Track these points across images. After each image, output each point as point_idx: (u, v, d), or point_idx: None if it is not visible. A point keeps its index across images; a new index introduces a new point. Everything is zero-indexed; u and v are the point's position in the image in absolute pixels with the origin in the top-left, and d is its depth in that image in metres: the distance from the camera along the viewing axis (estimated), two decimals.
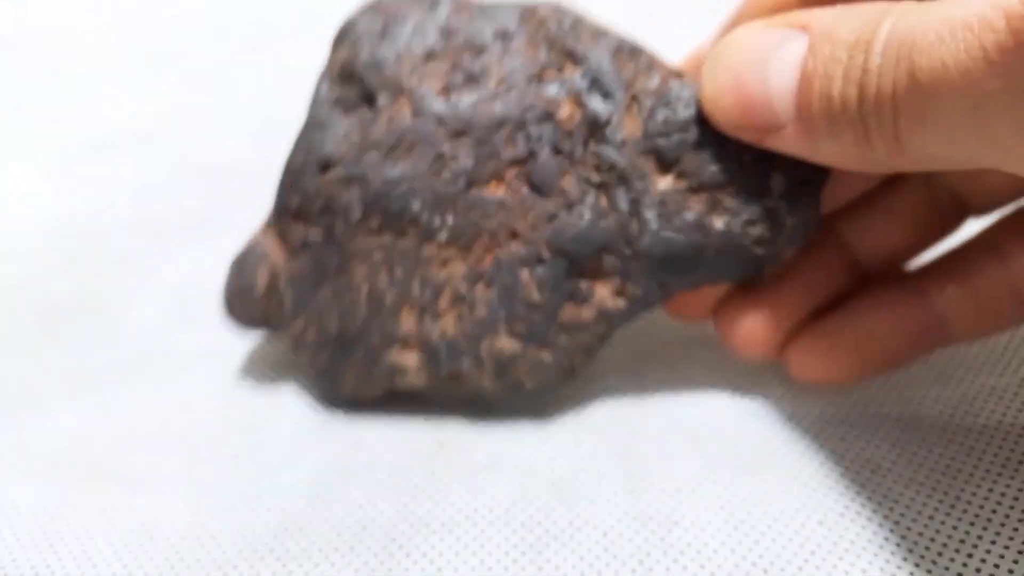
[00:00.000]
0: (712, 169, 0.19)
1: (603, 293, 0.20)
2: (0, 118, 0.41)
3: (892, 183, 0.22)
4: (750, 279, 0.21)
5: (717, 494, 0.20)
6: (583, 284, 0.20)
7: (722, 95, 0.18)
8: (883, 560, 0.18)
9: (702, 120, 0.19)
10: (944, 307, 0.20)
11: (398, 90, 0.21)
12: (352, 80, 0.21)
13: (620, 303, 0.20)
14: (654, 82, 0.20)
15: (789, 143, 0.18)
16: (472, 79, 0.21)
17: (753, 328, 0.21)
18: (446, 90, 0.21)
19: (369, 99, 0.21)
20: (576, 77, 0.20)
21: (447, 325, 0.20)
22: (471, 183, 0.20)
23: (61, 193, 0.34)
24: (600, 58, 0.20)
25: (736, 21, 0.21)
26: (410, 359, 0.21)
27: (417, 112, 0.20)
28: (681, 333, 0.24)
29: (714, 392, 0.23)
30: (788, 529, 0.19)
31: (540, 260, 0.20)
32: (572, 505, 0.20)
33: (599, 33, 0.21)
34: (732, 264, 0.20)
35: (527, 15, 0.21)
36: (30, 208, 0.33)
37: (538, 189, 0.20)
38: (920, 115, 0.15)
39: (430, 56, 0.21)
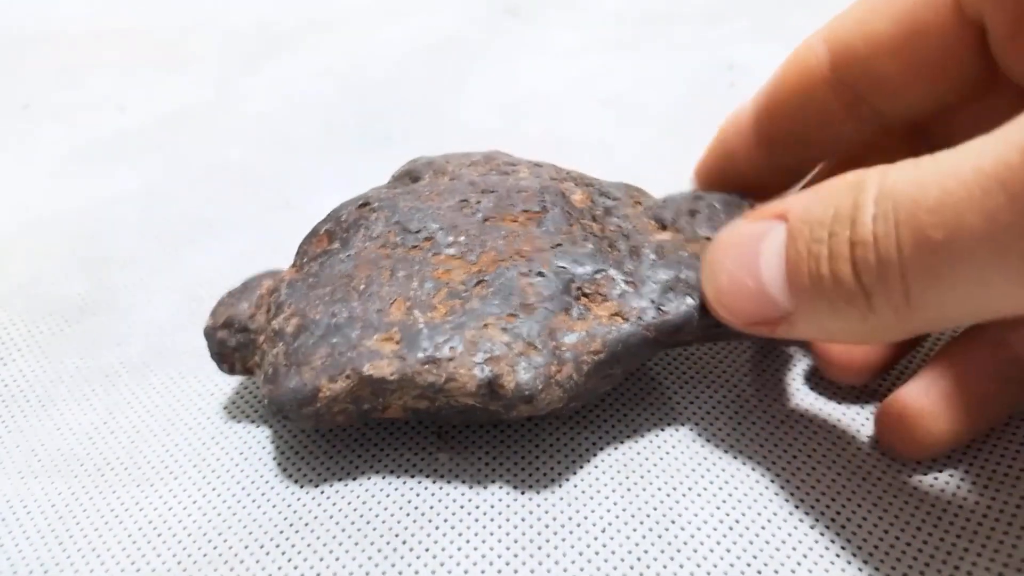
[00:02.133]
0: (706, 225, 0.22)
1: (600, 313, 0.20)
2: (9, 118, 0.41)
3: None
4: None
5: (713, 493, 0.20)
6: (581, 302, 0.20)
7: (723, 296, 0.19)
8: (872, 568, 0.18)
9: (697, 198, 0.23)
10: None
11: (441, 171, 0.25)
12: (406, 177, 0.26)
13: (616, 324, 0.20)
14: (654, 199, 0.24)
15: (800, 330, 0.18)
16: (504, 173, 0.24)
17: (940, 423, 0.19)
18: (481, 175, 0.24)
19: (415, 180, 0.25)
20: (590, 189, 0.24)
21: (435, 316, 0.20)
22: (487, 219, 0.22)
23: (69, 193, 0.35)
24: (608, 185, 0.24)
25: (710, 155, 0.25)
26: (387, 347, 0.20)
27: (453, 178, 0.24)
28: None
29: (711, 392, 0.23)
30: (781, 531, 0.19)
31: (540, 273, 0.21)
32: (571, 502, 0.20)
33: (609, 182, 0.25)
34: None
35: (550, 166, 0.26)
36: (38, 208, 0.34)
37: (546, 231, 0.22)
38: (935, 272, 0.14)
39: (473, 163, 0.25)
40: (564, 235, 0.22)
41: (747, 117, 0.24)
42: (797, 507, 0.20)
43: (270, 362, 0.21)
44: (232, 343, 0.22)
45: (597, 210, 0.23)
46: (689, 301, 0.20)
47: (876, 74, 0.19)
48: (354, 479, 0.21)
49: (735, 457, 0.21)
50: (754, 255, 0.18)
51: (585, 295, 0.21)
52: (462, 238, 0.22)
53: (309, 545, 0.19)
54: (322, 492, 0.21)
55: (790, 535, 0.19)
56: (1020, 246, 0.13)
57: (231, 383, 0.24)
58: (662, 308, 0.20)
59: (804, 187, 0.24)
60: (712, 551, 0.19)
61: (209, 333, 0.22)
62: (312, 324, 0.20)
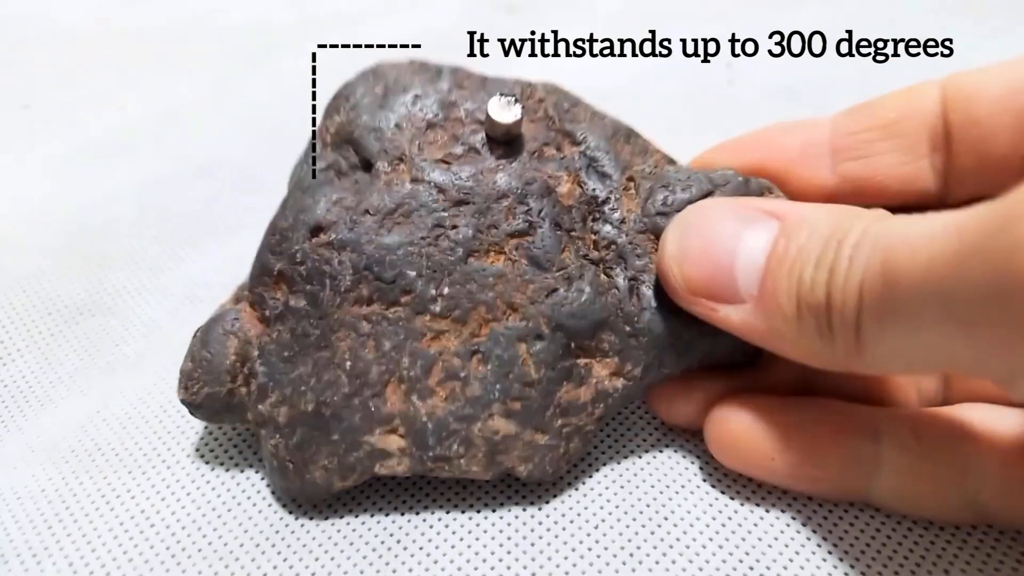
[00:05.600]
0: None
1: (601, 373, 0.20)
2: (8, 118, 0.41)
3: None
4: (747, 360, 0.21)
5: (707, 490, 0.20)
6: (581, 362, 0.20)
7: (688, 259, 0.19)
8: (864, 565, 0.18)
9: (707, 195, 0.20)
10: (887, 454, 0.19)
11: (397, 157, 0.21)
12: (348, 145, 0.21)
13: (618, 384, 0.20)
14: (649, 165, 0.21)
15: (744, 320, 0.18)
16: (473, 151, 0.21)
17: (746, 443, 0.19)
18: (446, 160, 0.20)
19: (366, 165, 0.21)
20: (575, 156, 0.21)
21: (436, 404, 0.19)
22: (470, 253, 0.20)
23: (69, 192, 0.35)
24: (597, 140, 0.21)
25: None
26: (393, 442, 0.19)
27: (416, 179, 0.20)
28: None
29: None
30: (774, 529, 0.19)
31: (539, 336, 0.19)
32: (565, 499, 0.20)
33: (595, 115, 0.22)
34: (730, 340, 0.19)
35: (526, 93, 0.22)
36: (38, 207, 0.34)
37: (537, 263, 0.20)
38: (887, 310, 0.15)
39: (431, 126, 0.21)
40: (558, 271, 0.20)
41: (824, 128, 0.22)
42: (789, 506, 0.20)
43: (271, 453, 0.20)
44: (217, 417, 0.20)
45: (587, 205, 0.21)
46: (690, 354, 0.20)
47: (978, 119, 0.19)
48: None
49: None
50: (736, 236, 0.18)
51: (585, 351, 0.20)
52: (446, 289, 0.19)
53: (304, 545, 0.19)
54: None
55: (782, 532, 0.19)
56: (960, 309, 0.14)
57: None
58: (663, 367, 0.20)
59: None
60: (704, 547, 0.19)
61: (189, 408, 0.20)
62: (305, 416, 0.19)
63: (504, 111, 0.20)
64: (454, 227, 0.20)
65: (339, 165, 0.21)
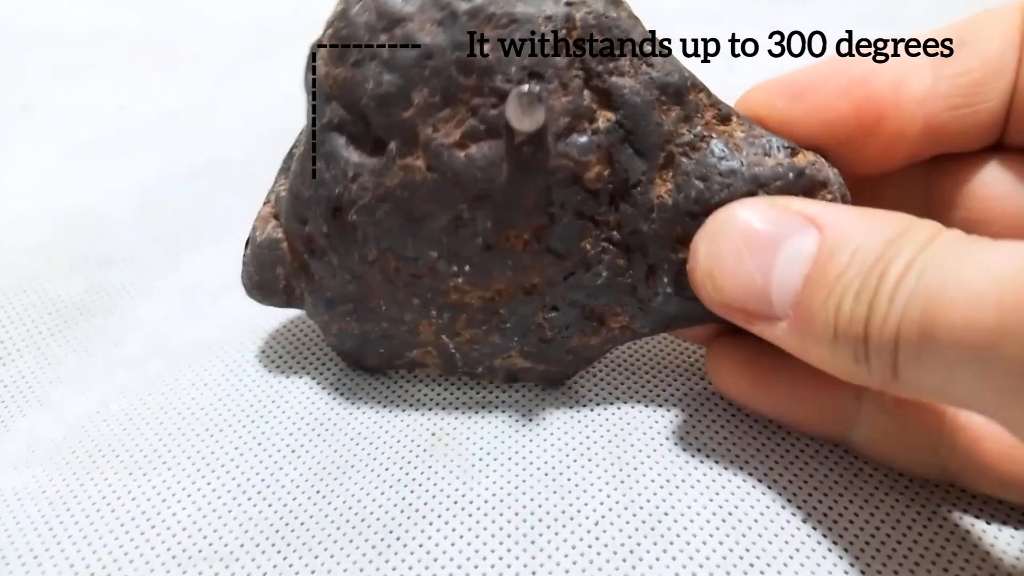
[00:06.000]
0: None
1: (612, 326, 0.21)
2: (9, 118, 0.41)
3: None
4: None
5: (706, 487, 0.20)
6: (594, 321, 0.21)
7: (720, 273, 0.18)
8: (863, 564, 0.18)
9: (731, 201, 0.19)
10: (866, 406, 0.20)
11: (411, 138, 0.19)
12: (355, 110, 0.19)
13: (627, 334, 0.21)
14: (696, 132, 0.19)
15: (778, 336, 0.17)
16: (492, 131, 0.18)
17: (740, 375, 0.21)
18: (463, 142, 0.18)
19: (377, 142, 0.19)
20: (609, 126, 0.19)
21: (462, 342, 0.22)
22: (488, 243, 0.19)
23: (69, 192, 0.35)
24: (638, 104, 0.19)
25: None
26: (429, 359, 0.23)
27: (432, 167, 0.19)
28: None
29: (705, 385, 0.23)
30: (774, 525, 0.19)
31: (555, 308, 0.21)
32: (564, 495, 0.20)
33: (644, 65, 0.19)
34: None
35: (565, 31, 0.18)
36: (38, 207, 0.34)
37: (556, 252, 0.20)
38: (923, 357, 0.15)
39: (446, 99, 0.18)
40: (576, 256, 0.20)
41: (922, 70, 0.19)
42: (789, 501, 0.20)
43: (332, 346, 0.24)
44: (282, 306, 0.24)
45: (615, 187, 0.19)
46: (695, 323, 0.21)
47: None
48: (348, 475, 0.21)
49: (728, 451, 0.21)
50: (772, 252, 0.17)
51: (597, 313, 0.21)
52: (467, 267, 0.20)
53: (305, 543, 0.19)
54: (318, 491, 0.21)
55: (782, 528, 0.19)
56: (991, 376, 0.14)
57: (228, 380, 0.24)
58: (669, 327, 0.21)
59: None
60: (704, 544, 0.19)
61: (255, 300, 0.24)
62: (352, 335, 0.23)
63: (524, 118, 0.17)
64: (473, 220, 0.19)
65: (350, 130, 0.19)
